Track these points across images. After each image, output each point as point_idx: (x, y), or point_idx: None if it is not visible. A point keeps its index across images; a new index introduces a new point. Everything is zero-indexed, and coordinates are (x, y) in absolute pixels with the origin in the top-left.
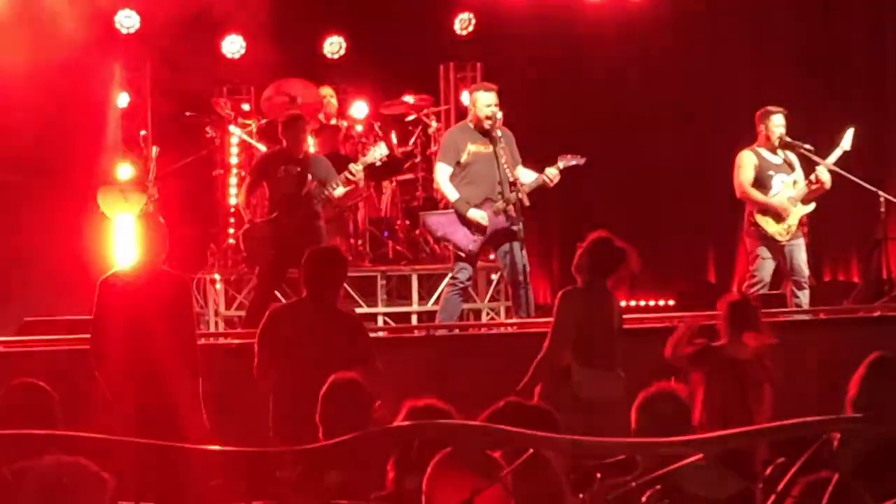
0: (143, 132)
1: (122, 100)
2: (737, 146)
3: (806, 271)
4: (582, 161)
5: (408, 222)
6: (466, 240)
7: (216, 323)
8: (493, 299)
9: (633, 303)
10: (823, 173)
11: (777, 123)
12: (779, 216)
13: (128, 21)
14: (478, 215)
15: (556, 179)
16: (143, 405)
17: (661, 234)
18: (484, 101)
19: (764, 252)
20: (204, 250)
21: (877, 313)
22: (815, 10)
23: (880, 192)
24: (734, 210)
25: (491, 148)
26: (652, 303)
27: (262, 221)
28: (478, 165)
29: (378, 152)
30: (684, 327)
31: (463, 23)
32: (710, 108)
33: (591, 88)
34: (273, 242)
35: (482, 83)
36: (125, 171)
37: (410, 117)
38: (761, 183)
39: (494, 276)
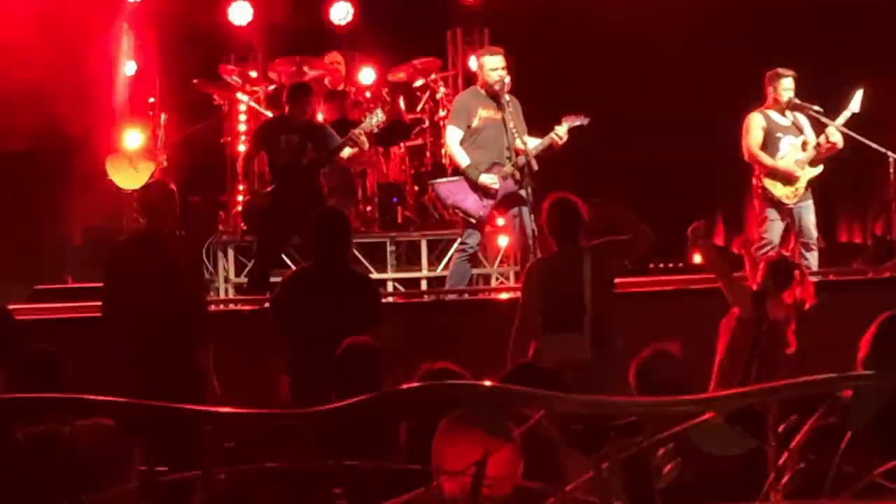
0: (151, 100)
1: (130, 68)
2: (745, 107)
3: (814, 233)
4: (586, 121)
5: (416, 188)
6: (477, 206)
7: (226, 290)
8: (502, 263)
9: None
10: (834, 134)
11: (786, 87)
12: (787, 179)
13: None
14: (488, 180)
15: (564, 139)
16: (153, 370)
17: (669, 200)
18: (490, 65)
19: (772, 214)
20: (213, 217)
21: (887, 274)
22: None
23: (890, 153)
24: (743, 172)
25: (500, 113)
26: (661, 266)
27: (261, 192)
28: (488, 131)
29: (375, 119)
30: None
31: None
32: (719, 68)
33: (598, 54)
34: (272, 213)
35: (488, 47)
36: (134, 138)
37: (418, 83)
38: (769, 145)
39: (503, 241)
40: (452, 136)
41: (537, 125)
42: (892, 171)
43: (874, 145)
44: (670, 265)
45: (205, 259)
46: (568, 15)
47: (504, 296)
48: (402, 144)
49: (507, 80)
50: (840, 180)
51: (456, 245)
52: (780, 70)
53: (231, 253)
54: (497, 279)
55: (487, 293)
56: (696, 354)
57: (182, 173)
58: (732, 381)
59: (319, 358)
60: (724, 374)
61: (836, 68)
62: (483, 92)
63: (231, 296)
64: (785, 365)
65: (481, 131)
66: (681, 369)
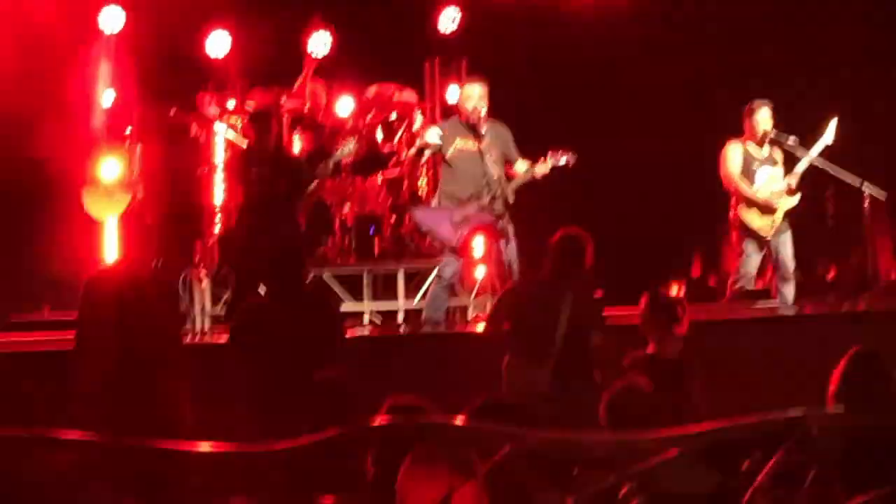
0: (127, 130)
1: (107, 98)
2: (722, 141)
3: (791, 265)
4: (573, 159)
5: (394, 219)
6: (451, 234)
7: (202, 321)
8: (478, 295)
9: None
10: (794, 178)
11: (763, 118)
12: (764, 210)
13: (113, 19)
14: (430, 135)
15: (546, 173)
16: (127, 404)
17: (647, 230)
18: (465, 94)
19: (749, 246)
20: (189, 248)
21: (861, 307)
22: (793, 15)
23: (864, 186)
24: (720, 205)
25: (478, 144)
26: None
27: (237, 226)
28: (463, 161)
29: (347, 149)
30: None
31: (449, 18)
32: (697, 102)
33: (577, 85)
34: (250, 247)
35: (470, 76)
36: (110, 169)
37: (393, 115)
38: (746, 176)
39: (480, 272)
40: (429, 131)
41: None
42: (867, 203)
43: (849, 177)
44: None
45: (180, 290)
46: (547, 45)
47: (481, 327)
48: (379, 175)
49: (484, 110)
50: (815, 213)
51: (433, 275)
52: (757, 101)
53: (206, 284)
54: (474, 310)
55: (464, 325)
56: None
57: (158, 204)
58: None
59: (283, 388)
60: None
61: (810, 98)
62: (460, 121)
63: (206, 327)
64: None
65: (456, 161)
66: (650, 404)
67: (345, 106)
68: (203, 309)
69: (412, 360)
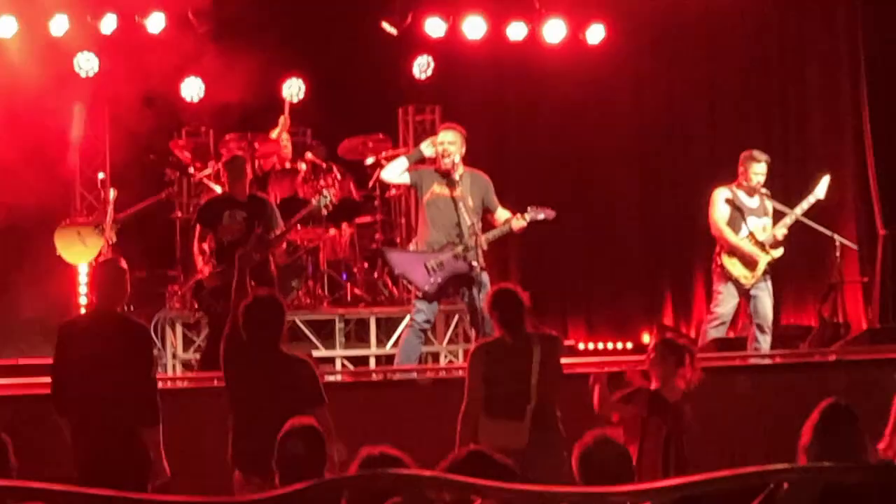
0: (101, 175)
1: (82, 142)
2: (693, 188)
3: (770, 318)
4: (552, 215)
5: (366, 265)
6: (424, 279)
7: (174, 366)
8: (451, 342)
9: (591, 345)
10: (780, 231)
11: (758, 171)
12: (746, 260)
13: (87, 64)
14: (426, 148)
15: (524, 226)
16: (103, 451)
17: (619, 277)
18: (437, 140)
19: (727, 291)
20: (162, 293)
21: (832, 357)
22: (771, 55)
23: (836, 236)
24: (691, 251)
25: (455, 191)
26: (610, 345)
27: (211, 272)
28: (438, 207)
29: (324, 200)
30: (595, 381)
31: (421, 66)
32: (666, 151)
33: (548, 131)
34: (223, 292)
35: (443, 124)
36: (83, 214)
37: (369, 160)
38: (733, 223)
39: (454, 319)
40: (398, 162)
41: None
42: (838, 254)
43: (821, 228)
44: (619, 345)
45: (153, 335)
46: (519, 92)
47: (453, 374)
48: (351, 221)
49: (457, 159)
50: (787, 262)
51: (405, 321)
52: (756, 153)
53: (179, 329)
54: (446, 357)
55: (436, 371)
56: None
57: (132, 248)
58: (655, 475)
59: (259, 437)
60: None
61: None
62: (436, 170)
63: (179, 372)
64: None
65: (431, 207)
66: (623, 457)
67: (318, 153)
68: (175, 354)
69: (385, 407)
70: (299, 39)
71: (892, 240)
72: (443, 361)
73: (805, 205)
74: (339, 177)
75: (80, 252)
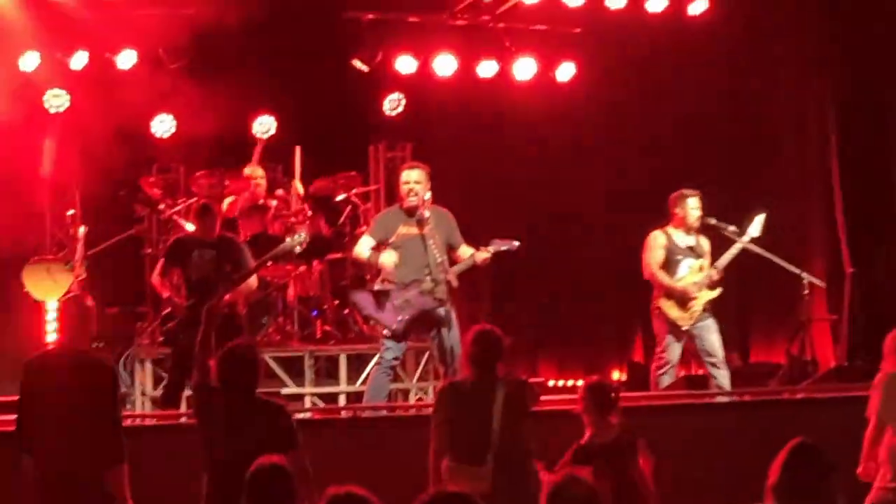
0: (70, 211)
1: (51, 178)
2: (664, 224)
3: (720, 352)
4: (515, 246)
5: (336, 302)
6: (391, 319)
7: (143, 403)
8: (421, 379)
9: (560, 383)
10: (720, 270)
11: (693, 206)
12: (682, 301)
13: (57, 100)
14: (385, 258)
15: (488, 259)
16: (67, 490)
17: (590, 313)
18: (402, 179)
19: (669, 335)
20: (131, 330)
21: (801, 395)
22: (740, 91)
23: (803, 274)
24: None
25: (420, 230)
26: (580, 382)
27: (181, 305)
28: (406, 247)
29: (297, 240)
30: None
31: (392, 103)
32: (637, 186)
33: (519, 167)
34: (189, 326)
35: (409, 162)
36: (52, 251)
37: (340, 197)
38: (669, 265)
39: (423, 356)
40: (362, 242)
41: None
42: (806, 292)
43: (789, 267)
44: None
45: (122, 372)
46: (489, 129)
47: (423, 412)
48: (322, 258)
49: (428, 196)
50: (755, 300)
51: (374, 359)
52: (685, 191)
53: (148, 366)
54: (416, 395)
55: (406, 409)
56: None
57: (102, 285)
58: None
59: (235, 484)
60: None
61: (752, 192)
62: (401, 207)
63: (148, 410)
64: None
65: (399, 248)
66: (591, 495)
67: (289, 190)
68: (145, 391)
69: (354, 445)
70: (270, 76)
71: (859, 278)
72: (412, 398)
73: (739, 245)
74: (309, 213)
75: (49, 289)
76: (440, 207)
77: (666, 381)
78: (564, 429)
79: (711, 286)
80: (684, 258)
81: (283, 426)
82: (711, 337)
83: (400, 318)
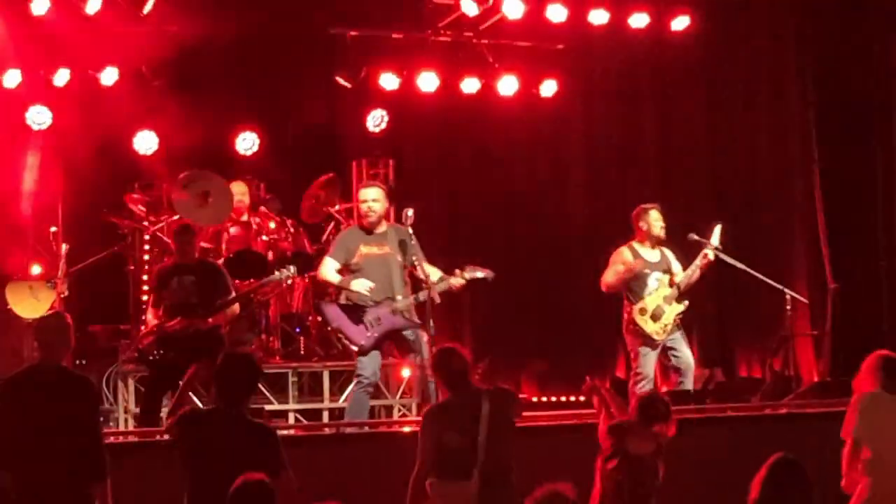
0: (53, 228)
1: (34, 195)
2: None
3: (692, 364)
4: (490, 276)
5: (319, 318)
6: (360, 335)
7: (126, 420)
8: (404, 395)
9: (543, 399)
10: (711, 253)
11: (655, 218)
12: (655, 316)
13: (40, 117)
14: (362, 286)
15: (464, 284)
16: None
17: (573, 332)
18: (360, 198)
19: (644, 349)
20: (114, 347)
21: (783, 410)
22: (721, 108)
23: (786, 290)
24: None
25: (384, 248)
26: (563, 398)
27: (162, 326)
28: (370, 266)
29: (284, 274)
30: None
31: (375, 119)
32: (619, 203)
33: (502, 184)
34: (163, 345)
35: (365, 181)
36: (35, 268)
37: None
38: (637, 279)
39: (406, 373)
40: (325, 265)
41: (442, 256)
42: (788, 307)
43: (772, 283)
44: (571, 398)
45: (105, 389)
46: (472, 145)
47: (406, 428)
48: (305, 275)
49: (379, 212)
50: (738, 316)
51: (354, 376)
52: (645, 205)
53: (131, 383)
54: (399, 411)
55: (388, 425)
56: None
57: (85, 302)
58: None
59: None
60: None
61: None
62: (361, 226)
63: (131, 427)
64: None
65: (362, 268)
66: None
67: (271, 206)
68: (127, 408)
69: (337, 462)
70: (253, 93)
71: (841, 294)
72: (395, 415)
73: (701, 259)
74: (291, 230)
75: (32, 306)
76: (399, 224)
77: None
78: (546, 444)
79: (679, 299)
80: (652, 272)
81: (271, 449)
82: (684, 349)
83: (369, 334)
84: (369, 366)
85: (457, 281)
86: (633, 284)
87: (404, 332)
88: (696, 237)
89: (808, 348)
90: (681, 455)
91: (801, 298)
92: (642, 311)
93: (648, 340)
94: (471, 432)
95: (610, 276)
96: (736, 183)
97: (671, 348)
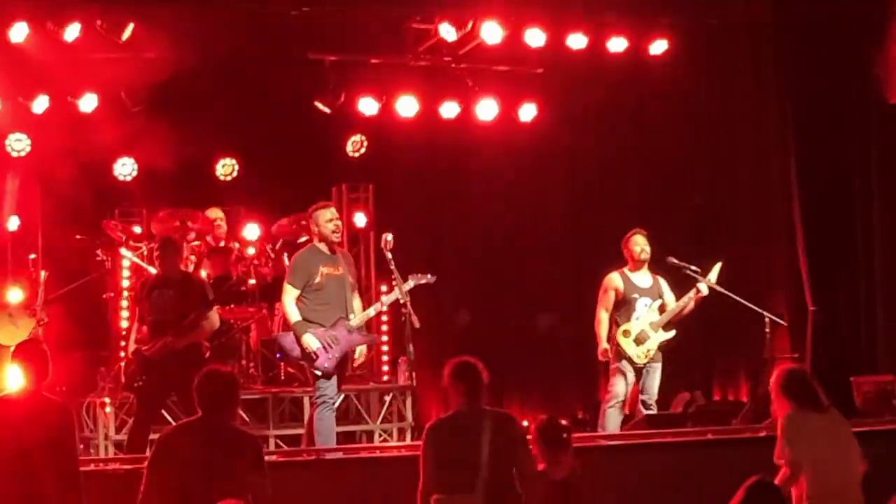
0: (32, 256)
1: (12, 223)
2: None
3: (655, 394)
4: (432, 280)
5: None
6: (322, 359)
7: (105, 447)
8: (385, 420)
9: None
10: (704, 287)
11: (640, 244)
12: (639, 340)
13: (18, 144)
14: (311, 343)
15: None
16: None
17: (553, 354)
18: (326, 217)
19: (621, 369)
20: (94, 374)
21: (763, 433)
22: (701, 131)
23: (765, 313)
24: None
25: (339, 269)
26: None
27: (140, 349)
28: (330, 287)
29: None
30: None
31: (355, 144)
32: (598, 225)
33: (481, 207)
34: (150, 369)
35: (319, 203)
36: (15, 295)
37: (302, 238)
38: (625, 304)
39: (387, 398)
40: (289, 295)
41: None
42: (768, 330)
43: (751, 305)
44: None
45: (85, 416)
46: (451, 168)
47: (387, 454)
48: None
49: (337, 234)
50: (719, 339)
51: (317, 399)
52: (633, 231)
53: (111, 410)
54: (380, 436)
55: (370, 450)
56: None
57: (64, 329)
58: None
59: None
60: None
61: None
62: (323, 247)
63: (111, 454)
64: None
65: (323, 287)
66: None
67: (251, 232)
68: (108, 435)
69: (318, 487)
70: (232, 118)
71: (821, 316)
72: (377, 440)
73: (694, 292)
74: (271, 255)
75: (11, 333)
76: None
77: (614, 415)
78: None
79: (667, 327)
80: (640, 297)
81: (253, 451)
82: (654, 378)
83: (329, 355)
84: (331, 386)
85: (406, 286)
86: (622, 309)
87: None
88: (674, 260)
89: None
90: (662, 479)
91: (781, 321)
92: (626, 334)
93: (628, 363)
94: (474, 445)
95: (596, 324)
96: (717, 207)
97: (646, 374)
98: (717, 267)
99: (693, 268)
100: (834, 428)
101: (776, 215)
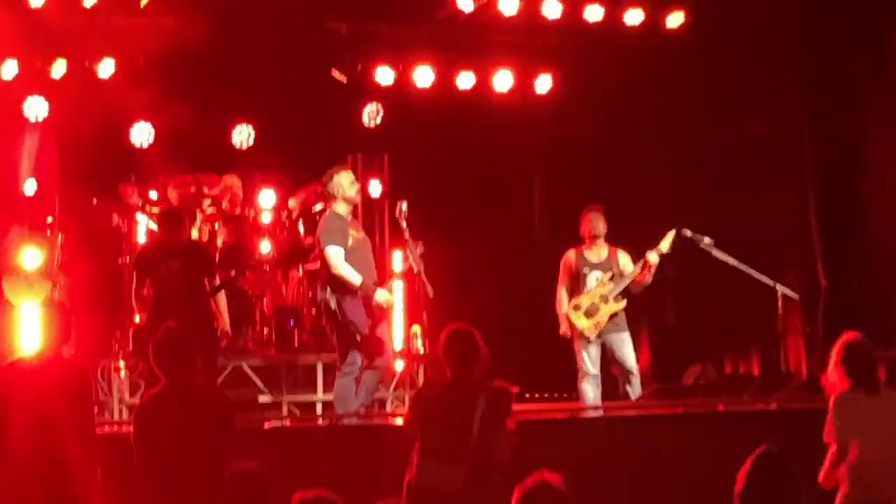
0: (49, 219)
1: (30, 187)
2: (635, 239)
3: (632, 363)
4: (421, 248)
5: (314, 311)
6: (364, 324)
7: (120, 410)
8: (398, 387)
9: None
10: (654, 257)
11: (590, 220)
12: (588, 312)
13: (36, 108)
14: (383, 297)
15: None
16: (43, 494)
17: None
18: (350, 179)
19: (580, 345)
20: (110, 337)
21: (774, 406)
22: (715, 105)
23: (777, 286)
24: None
25: (361, 232)
26: (537, 395)
27: (149, 319)
28: (360, 251)
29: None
30: None
31: (371, 114)
32: (613, 200)
33: (496, 179)
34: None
35: (335, 166)
36: (32, 257)
37: (317, 207)
38: (578, 279)
39: (399, 365)
40: (338, 256)
41: (435, 247)
42: (780, 303)
43: (764, 279)
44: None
45: (100, 379)
46: (466, 139)
47: (400, 420)
48: (299, 268)
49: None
50: (730, 312)
51: (346, 369)
52: (587, 209)
53: (125, 373)
54: (393, 403)
55: (383, 417)
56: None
57: (80, 293)
58: None
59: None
60: None
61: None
62: (344, 212)
63: (125, 417)
64: None
65: (356, 250)
66: (563, 498)
67: (267, 199)
68: (122, 399)
69: (330, 453)
70: (249, 86)
71: (833, 291)
72: (389, 407)
73: (641, 261)
74: (286, 223)
75: (28, 296)
76: None
77: (588, 390)
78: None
79: (618, 299)
80: (592, 271)
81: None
82: (623, 348)
83: (368, 322)
84: (359, 355)
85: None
86: (574, 283)
87: None
88: (689, 233)
89: (799, 345)
90: (673, 450)
91: (793, 295)
92: (576, 308)
93: (581, 336)
94: (464, 418)
95: (557, 303)
96: (731, 181)
97: (610, 347)
98: (670, 235)
99: (707, 240)
100: (886, 410)
101: (790, 191)
